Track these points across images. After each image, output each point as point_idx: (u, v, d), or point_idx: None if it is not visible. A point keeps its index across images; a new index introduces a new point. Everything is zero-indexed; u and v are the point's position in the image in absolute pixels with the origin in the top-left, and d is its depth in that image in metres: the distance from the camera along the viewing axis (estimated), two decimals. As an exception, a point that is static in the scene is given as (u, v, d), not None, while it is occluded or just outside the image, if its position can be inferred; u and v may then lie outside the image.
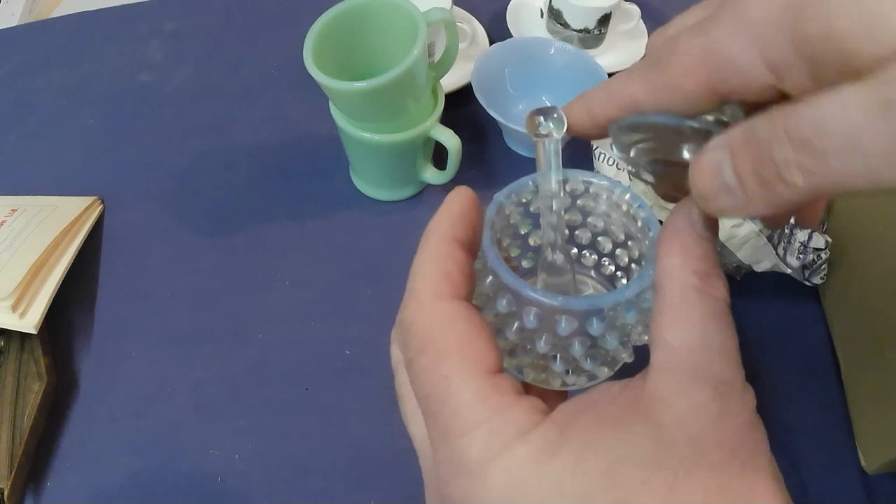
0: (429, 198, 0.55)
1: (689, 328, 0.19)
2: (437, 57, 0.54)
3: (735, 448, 0.19)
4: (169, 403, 0.44)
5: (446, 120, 0.49)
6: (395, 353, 0.25)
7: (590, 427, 0.19)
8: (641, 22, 0.65)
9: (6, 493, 0.38)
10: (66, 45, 0.65)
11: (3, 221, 0.48)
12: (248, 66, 0.63)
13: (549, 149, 0.22)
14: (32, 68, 0.63)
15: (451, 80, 0.57)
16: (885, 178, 0.15)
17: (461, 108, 0.58)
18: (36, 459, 0.41)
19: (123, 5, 0.68)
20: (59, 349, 0.46)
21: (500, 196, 0.23)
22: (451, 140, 0.48)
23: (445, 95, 0.50)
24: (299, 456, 0.42)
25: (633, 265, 0.24)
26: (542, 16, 0.66)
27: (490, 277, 0.22)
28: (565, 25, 0.62)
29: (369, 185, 0.54)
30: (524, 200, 0.24)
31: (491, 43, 0.62)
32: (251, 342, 0.47)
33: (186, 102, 0.60)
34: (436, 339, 0.20)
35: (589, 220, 0.25)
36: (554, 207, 0.23)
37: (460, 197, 0.23)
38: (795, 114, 0.16)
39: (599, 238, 0.25)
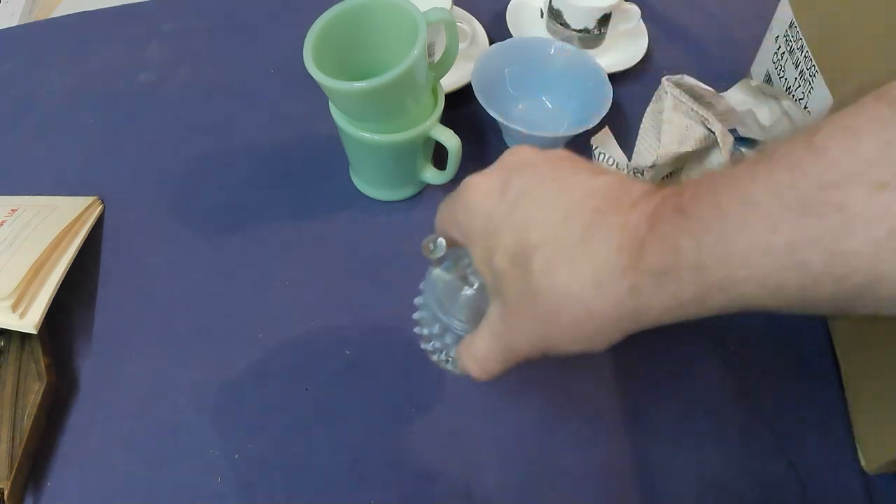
0: (429, 198, 0.55)
1: None
2: (437, 57, 0.54)
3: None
4: (169, 403, 0.44)
5: (446, 120, 0.49)
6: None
7: None
8: (641, 22, 0.65)
9: (6, 493, 0.38)
10: (66, 45, 0.65)
11: (3, 221, 0.48)
12: (248, 66, 0.63)
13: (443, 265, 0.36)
14: (32, 68, 0.63)
15: (451, 80, 0.57)
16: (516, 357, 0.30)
17: (461, 108, 0.58)
18: (36, 459, 0.41)
19: (123, 5, 0.68)
20: (59, 349, 0.46)
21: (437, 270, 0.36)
22: (451, 140, 0.48)
23: (445, 95, 0.50)
24: (299, 456, 0.42)
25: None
26: (542, 16, 0.66)
27: (440, 318, 0.36)
28: (565, 25, 0.62)
29: (369, 185, 0.54)
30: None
31: (491, 43, 0.62)
32: (251, 342, 0.47)
33: (186, 102, 0.60)
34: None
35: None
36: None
37: None
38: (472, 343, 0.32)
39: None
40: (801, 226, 0.22)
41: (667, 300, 0.24)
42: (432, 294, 0.36)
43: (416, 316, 0.38)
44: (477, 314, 0.34)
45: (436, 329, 0.36)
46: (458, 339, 0.35)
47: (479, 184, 0.30)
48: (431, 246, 0.34)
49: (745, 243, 0.22)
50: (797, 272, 0.22)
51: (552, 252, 0.26)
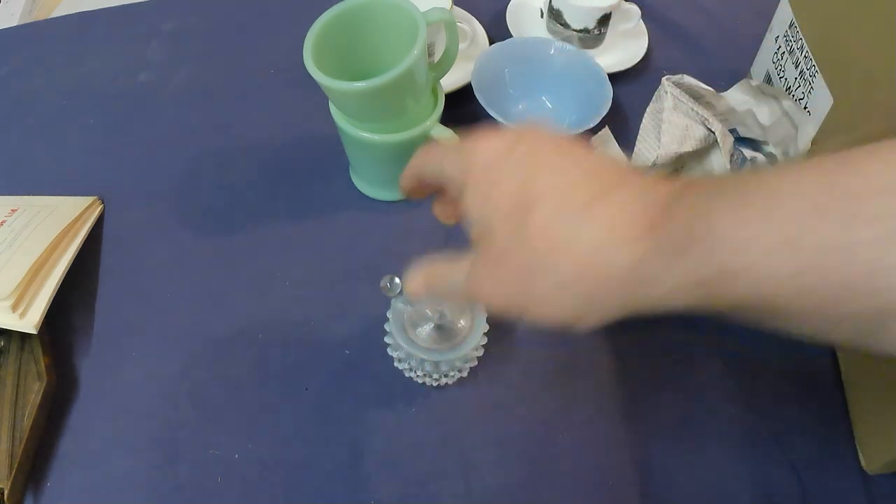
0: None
1: None
2: (437, 57, 0.54)
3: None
4: (169, 403, 0.44)
5: (446, 120, 0.49)
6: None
7: None
8: (641, 22, 0.65)
9: (6, 493, 0.38)
10: (66, 45, 0.65)
11: (3, 221, 0.48)
12: (248, 66, 0.63)
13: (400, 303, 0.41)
14: (32, 68, 0.63)
15: (451, 80, 0.57)
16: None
17: (461, 108, 0.58)
18: (36, 459, 0.41)
19: (123, 5, 0.68)
20: (59, 349, 0.46)
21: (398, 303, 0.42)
22: (451, 140, 0.48)
23: (445, 95, 0.50)
24: (299, 456, 0.42)
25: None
26: (542, 16, 0.66)
27: (403, 346, 0.40)
28: (565, 25, 0.62)
29: (369, 185, 0.54)
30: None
31: (491, 43, 0.62)
32: (251, 342, 0.47)
33: (186, 102, 0.60)
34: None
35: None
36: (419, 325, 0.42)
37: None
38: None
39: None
40: (847, 229, 0.20)
41: (679, 277, 0.22)
42: (396, 324, 0.41)
43: (386, 339, 0.42)
44: (435, 341, 0.40)
45: (402, 354, 0.41)
46: (422, 361, 0.40)
47: (487, 138, 0.28)
48: (388, 284, 0.39)
49: (769, 240, 0.21)
50: (828, 275, 0.20)
51: (556, 208, 0.25)
